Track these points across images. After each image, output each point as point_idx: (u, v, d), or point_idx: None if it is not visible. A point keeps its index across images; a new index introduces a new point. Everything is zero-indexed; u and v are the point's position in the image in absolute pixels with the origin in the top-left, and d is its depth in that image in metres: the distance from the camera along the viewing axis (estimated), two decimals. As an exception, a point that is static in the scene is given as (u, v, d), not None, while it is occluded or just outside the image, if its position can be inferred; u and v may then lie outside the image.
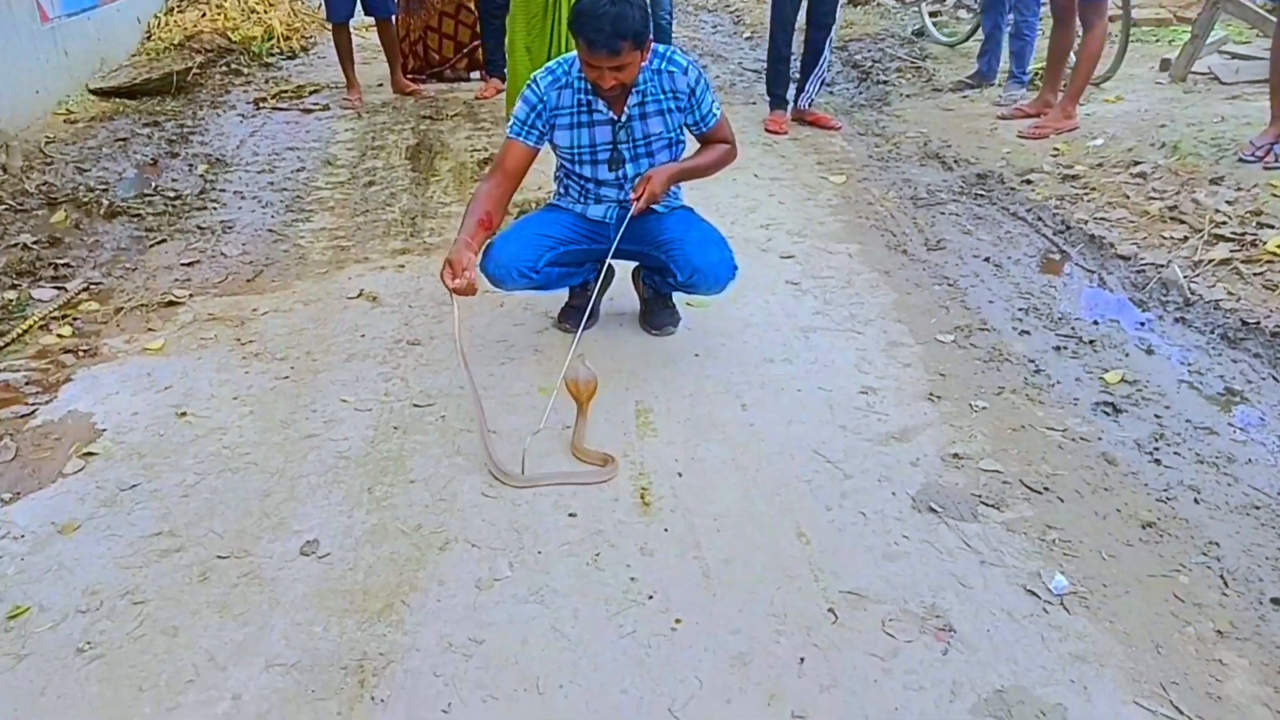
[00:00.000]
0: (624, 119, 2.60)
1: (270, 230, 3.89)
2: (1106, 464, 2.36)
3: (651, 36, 2.51)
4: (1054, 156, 4.59)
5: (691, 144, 2.81)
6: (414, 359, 2.87)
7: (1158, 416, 2.54)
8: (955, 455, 2.38)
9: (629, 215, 2.58)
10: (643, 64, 2.50)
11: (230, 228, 3.92)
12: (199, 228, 3.92)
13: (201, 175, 4.56)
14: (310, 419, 2.56)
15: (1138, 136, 4.68)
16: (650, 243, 2.69)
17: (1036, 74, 5.63)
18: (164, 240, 3.79)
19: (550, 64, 2.67)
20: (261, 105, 5.86)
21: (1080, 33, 4.88)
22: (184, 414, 2.59)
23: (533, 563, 2.02)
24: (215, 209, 4.15)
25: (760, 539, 2.09)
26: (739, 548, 2.06)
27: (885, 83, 6.31)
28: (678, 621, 1.85)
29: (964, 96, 5.79)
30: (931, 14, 7.96)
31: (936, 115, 5.49)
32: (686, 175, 2.72)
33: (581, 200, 2.80)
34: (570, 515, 2.17)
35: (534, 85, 2.60)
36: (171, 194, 4.28)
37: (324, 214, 4.09)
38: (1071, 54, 5.08)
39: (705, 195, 3.79)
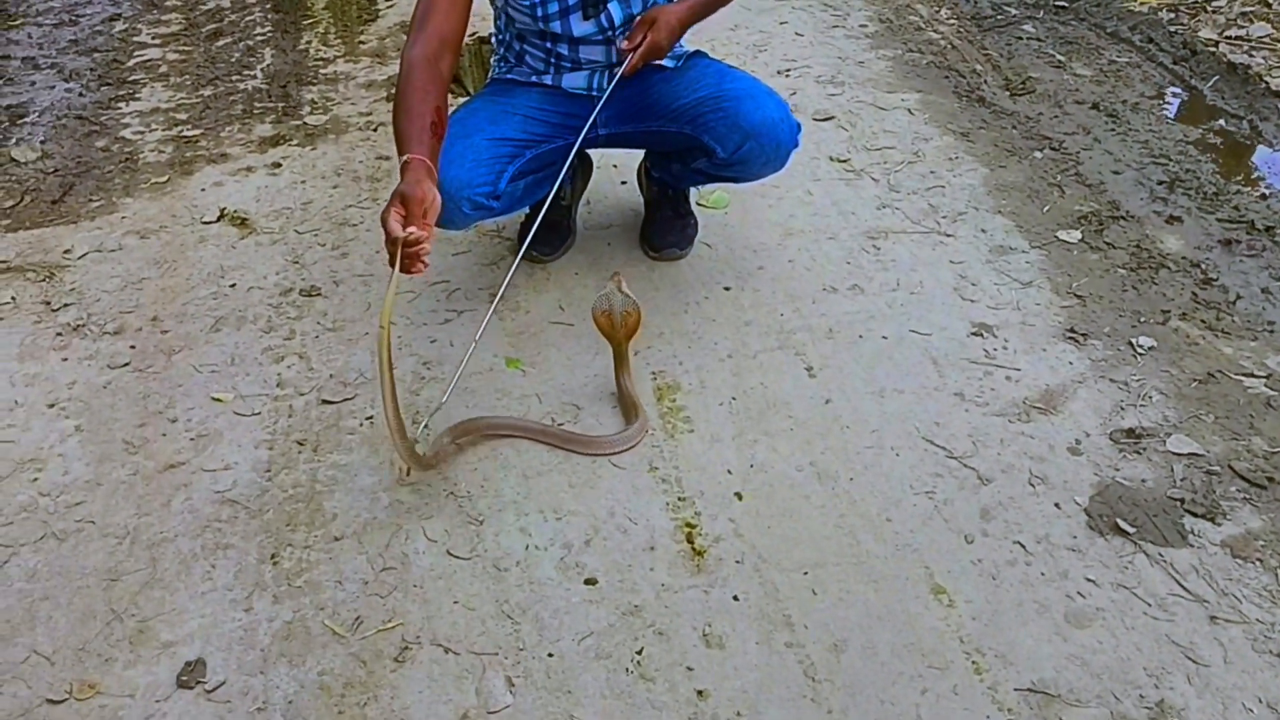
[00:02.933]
0: None
1: (80, 117, 3.20)
2: (1341, 428, 1.93)
3: None
4: (1151, -54, 4.01)
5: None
6: (314, 320, 2.30)
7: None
8: (1129, 432, 1.93)
9: (619, 74, 1.98)
10: None
11: (21, 116, 3.23)
12: (-26, 119, 3.21)
13: (-28, 34, 3.79)
14: (170, 435, 2.01)
15: (1261, -87, 4.11)
16: (664, 114, 2.12)
17: None
18: (-77, 142, 3.08)
19: None
20: (49, -79, 4.94)
21: None
22: (-26, 437, 2.02)
23: (543, 674, 1.55)
24: (-4, 87, 3.42)
25: (878, 602, 1.64)
26: (850, 620, 1.61)
27: None
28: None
29: None
30: None
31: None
32: (703, 12, 2.13)
33: (551, 70, 2.19)
34: (587, 583, 1.68)
35: None
36: (-70, 66, 3.53)
37: (155, 86, 3.39)
38: None
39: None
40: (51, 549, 1.78)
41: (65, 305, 2.37)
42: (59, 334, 2.29)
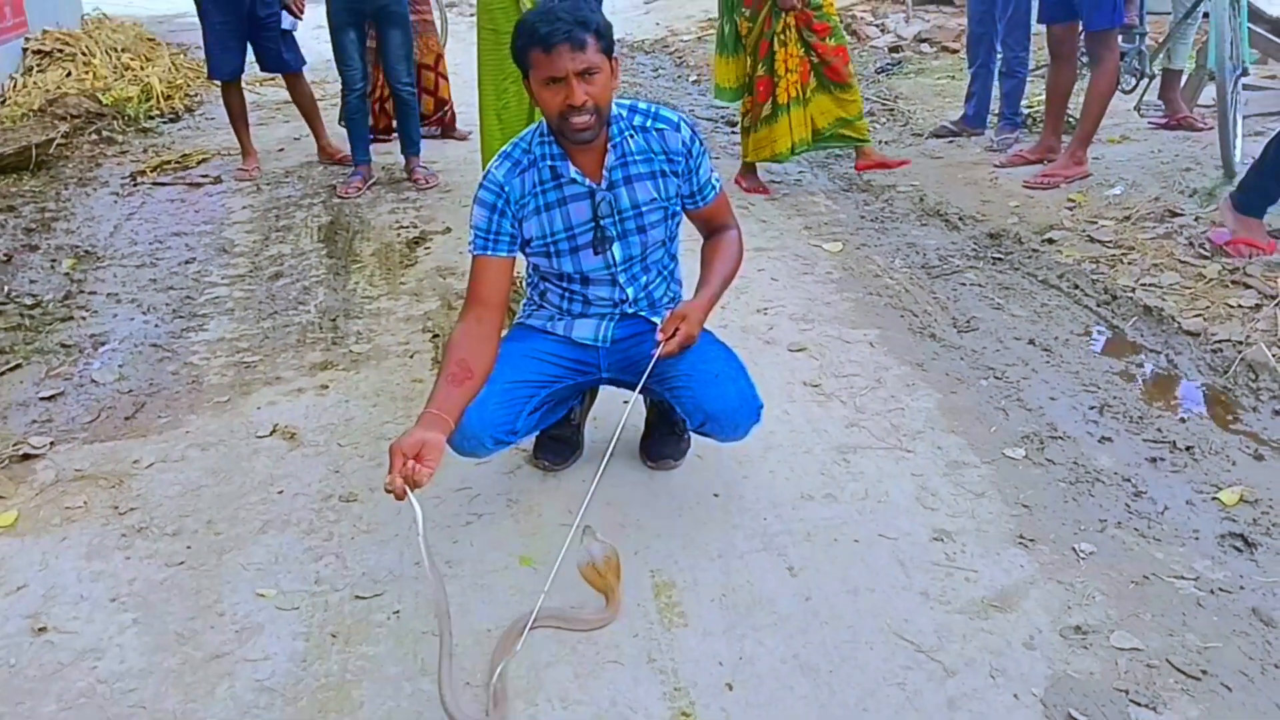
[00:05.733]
0: (604, 185, 2.18)
1: (154, 345, 3.35)
2: (1264, 626, 1.97)
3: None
4: (1070, 209, 4.32)
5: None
6: (350, 524, 2.36)
7: (1304, 551, 2.18)
8: (1077, 629, 1.96)
9: (654, 358, 2.14)
10: (614, 88, 2.12)
11: (103, 343, 3.38)
12: (63, 345, 3.36)
13: (66, 273, 4.00)
14: (216, 627, 2.04)
15: (1162, 183, 4.46)
16: (652, 376, 2.24)
17: (1030, 116, 5.41)
18: (17, 365, 3.21)
19: (504, 148, 2.25)
20: (139, 180, 5.32)
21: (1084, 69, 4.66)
22: (43, 628, 2.04)
23: None
24: (84, 318, 3.59)
25: (858, 787, 1.62)
26: (834, 807, 1.59)
27: (858, 128, 6.02)
28: None
29: (950, 143, 5.54)
30: (891, 49, 7.81)
31: (925, 165, 5.21)
32: (719, 296, 2.33)
33: (564, 312, 2.35)
34: (592, 767, 1.67)
35: (490, 181, 2.19)
36: (28, 300, 3.71)
37: (221, 319, 3.56)
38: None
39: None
40: (104, 733, 1.78)
41: (131, 509, 2.43)
42: (124, 535, 2.34)
